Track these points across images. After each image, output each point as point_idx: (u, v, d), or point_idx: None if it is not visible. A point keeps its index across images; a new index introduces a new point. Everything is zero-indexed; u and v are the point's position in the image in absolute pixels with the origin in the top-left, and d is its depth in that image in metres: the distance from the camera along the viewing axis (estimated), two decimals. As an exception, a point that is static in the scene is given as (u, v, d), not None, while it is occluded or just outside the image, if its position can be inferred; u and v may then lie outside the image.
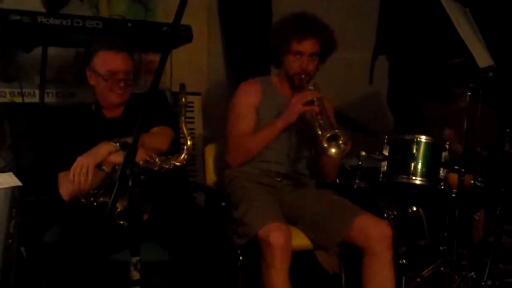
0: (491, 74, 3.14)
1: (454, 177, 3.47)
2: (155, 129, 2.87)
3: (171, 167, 2.57)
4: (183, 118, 2.48)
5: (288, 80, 3.26)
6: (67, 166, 2.61)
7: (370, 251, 2.88)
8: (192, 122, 3.97)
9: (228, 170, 3.24)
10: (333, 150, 2.88)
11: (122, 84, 2.87)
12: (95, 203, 2.62)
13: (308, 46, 3.13)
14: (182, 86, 2.49)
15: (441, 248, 3.70)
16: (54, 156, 2.83)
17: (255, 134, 3.18)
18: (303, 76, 3.15)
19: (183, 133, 2.54)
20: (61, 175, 2.72)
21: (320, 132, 2.92)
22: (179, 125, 2.51)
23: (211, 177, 3.55)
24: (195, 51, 4.15)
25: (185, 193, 3.28)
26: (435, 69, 4.34)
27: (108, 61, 2.85)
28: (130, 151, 1.70)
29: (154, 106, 2.82)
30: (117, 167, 2.55)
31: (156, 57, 3.22)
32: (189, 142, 2.54)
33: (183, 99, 2.47)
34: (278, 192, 3.17)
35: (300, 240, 3.02)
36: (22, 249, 2.80)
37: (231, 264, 2.83)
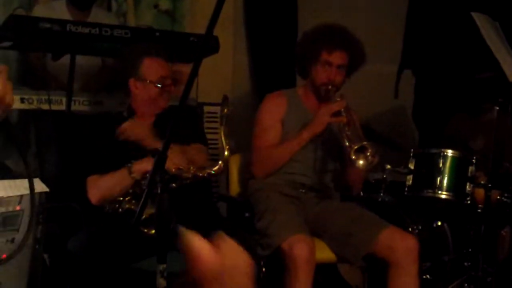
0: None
1: (480, 192, 3.42)
2: (195, 145, 2.89)
3: (205, 175, 2.57)
4: (223, 128, 2.50)
5: (314, 91, 3.25)
6: (98, 172, 2.63)
7: (396, 264, 2.86)
8: (217, 133, 3.97)
9: (253, 180, 3.24)
10: (361, 162, 2.87)
11: (172, 88, 2.90)
12: (120, 210, 2.63)
13: (337, 57, 3.13)
14: (225, 98, 2.52)
15: (466, 264, 3.64)
16: (84, 162, 2.85)
17: (281, 145, 3.18)
18: (330, 87, 3.15)
19: (221, 143, 2.55)
20: (89, 179, 2.73)
21: (347, 144, 2.91)
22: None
23: (234, 187, 3.54)
24: (221, 62, 4.16)
25: (210, 203, 3.28)
26: (462, 84, 4.30)
27: (158, 68, 2.87)
28: (159, 158, 1.70)
29: (186, 118, 2.87)
30: (147, 174, 2.57)
31: (182, 67, 3.22)
32: (226, 153, 2.54)
33: (225, 110, 2.49)
34: (303, 204, 3.15)
35: (324, 253, 3.00)
36: (46, 256, 2.81)
37: (254, 275, 2.81)
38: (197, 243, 0.72)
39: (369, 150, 2.86)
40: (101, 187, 2.71)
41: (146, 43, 3.03)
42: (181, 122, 2.64)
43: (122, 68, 2.96)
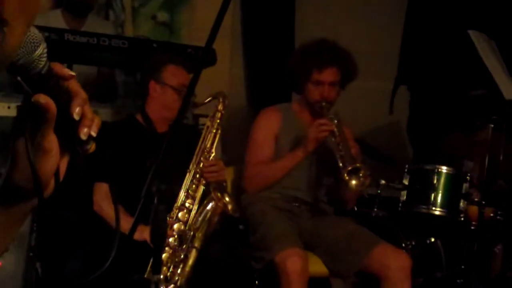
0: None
1: (474, 209, 3.43)
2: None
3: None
4: (218, 130, 2.72)
5: (308, 107, 3.25)
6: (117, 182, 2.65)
7: (388, 281, 2.86)
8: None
9: (246, 194, 3.23)
10: (353, 182, 2.89)
11: None
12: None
13: (328, 75, 3.13)
14: (221, 93, 2.71)
15: (458, 281, 3.64)
16: (94, 169, 2.88)
17: (275, 162, 3.17)
18: (323, 104, 3.14)
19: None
20: (98, 185, 2.78)
21: (341, 164, 2.92)
22: None
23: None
24: (217, 74, 4.16)
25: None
26: (456, 101, 4.32)
27: (179, 75, 2.96)
28: (156, 168, 1.69)
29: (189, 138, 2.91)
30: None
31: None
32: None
33: (220, 107, 2.75)
34: (297, 218, 3.15)
35: (317, 267, 3.00)
36: (38, 264, 2.79)
37: (247, 288, 2.81)
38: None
39: (362, 172, 2.88)
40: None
41: (171, 53, 3.12)
42: (184, 141, 2.70)
43: (145, 69, 3.05)
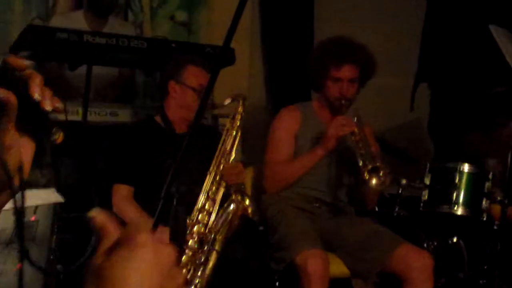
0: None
1: (497, 208, 3.39)
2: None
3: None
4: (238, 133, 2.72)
5: (328, 105, 3.23)
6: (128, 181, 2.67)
7: (410, 281, 2.83)
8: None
9: (266, 194, 3.22)
10: (373, 182, 2.87)
11: None
12: None
13: (347, 72, 3.11)
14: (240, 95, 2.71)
15: (481, 281, 3.60)
16: (113, 171, 2.91)
17: (294, 161, 3.15)
18: (343, 101, 3.12)
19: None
20: (116, 186, 2.79)
21: (361, 163, 2.89)
22: None
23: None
24: (237, 74, 4.15)
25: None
26: (478, 98, 4.27)
27: (200, 76, 2.95)
28: (175, 170, 1.68)
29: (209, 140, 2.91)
30: None
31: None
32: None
33: (240, 109, 2.77)
34: (317, 218, 3.13)
35: (338, 268, 2.98)
36: (59, 267, 2.81)
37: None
38: (104, 219, 0.71)
39: (382, 170, 2.85)
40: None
41: (190, 52, 3.13)
42: (203, 142, 2.70)
43: (165, 69, 3.06)
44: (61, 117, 3.15)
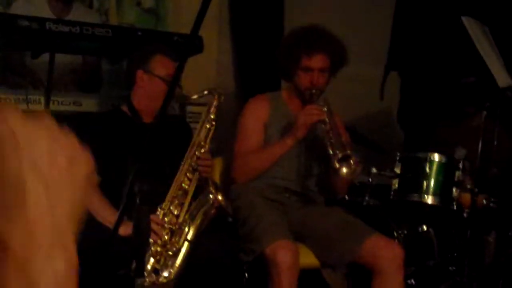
0: (510, 94, 3.08)
1: (466, 197, 3.40)
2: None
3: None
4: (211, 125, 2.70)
5: (298, 94, 3.20)
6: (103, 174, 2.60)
7: (380, 271, 2.83)
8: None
9: (235, 185, 3.18)
10: (344, 170, 2.84)
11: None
12: None
13: (318, 61, 3.07)
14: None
15: (451, 269, 3.62)
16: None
17: (263, 151, 3.12)
18: (313, 91, 3.09)
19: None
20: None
21: (331, 152, 2.87)
22: None
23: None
24: (205, 62, 4.09)
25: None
26: (448, 87, 4.28)
27: (168, 66, 2.89)
28: (139, 168, 1.63)
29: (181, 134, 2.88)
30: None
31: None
32: None
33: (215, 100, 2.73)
34: (286, 208, 3.10)
35: (308, 259, 2.96)
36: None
37: (236, 281, 2.77)
38: None
39: (353, 159, 2.83)
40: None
41: (157, 41, 3.09)
42: (175, 136, 2.64)
43: (133, 58, 3.00)
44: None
